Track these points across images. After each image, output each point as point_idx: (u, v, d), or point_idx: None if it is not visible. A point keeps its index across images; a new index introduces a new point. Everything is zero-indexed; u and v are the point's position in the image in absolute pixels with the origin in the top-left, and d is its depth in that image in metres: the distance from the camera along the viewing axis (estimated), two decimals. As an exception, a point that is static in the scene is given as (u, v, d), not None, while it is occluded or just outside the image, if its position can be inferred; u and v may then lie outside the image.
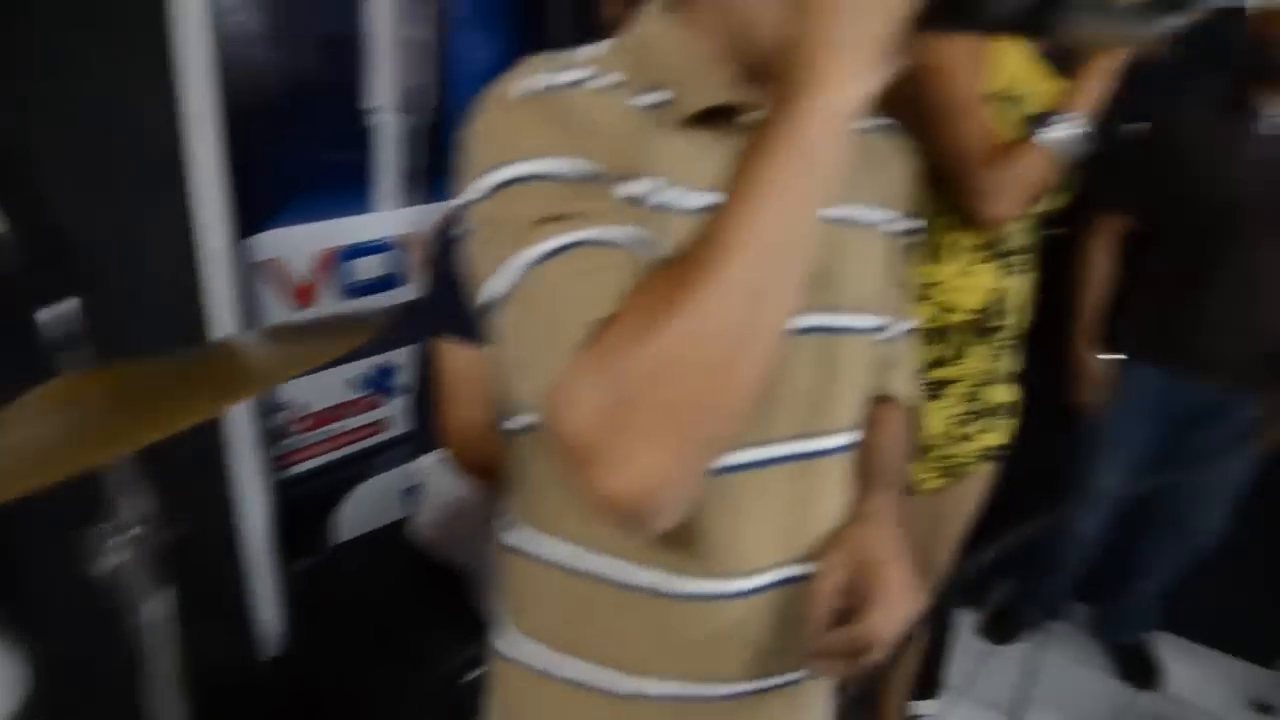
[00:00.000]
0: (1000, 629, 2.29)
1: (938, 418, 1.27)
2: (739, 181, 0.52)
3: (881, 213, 0.76)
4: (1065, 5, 0.47)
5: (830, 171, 0.52)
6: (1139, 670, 2.19)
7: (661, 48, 0.65)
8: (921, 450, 1.28)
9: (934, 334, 1.22)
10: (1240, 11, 1.67)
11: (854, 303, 0.72)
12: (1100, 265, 1.94)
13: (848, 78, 0.51)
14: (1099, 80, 1.10)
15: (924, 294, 1.21)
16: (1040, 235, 1.32)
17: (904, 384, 0.86)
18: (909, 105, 1.09)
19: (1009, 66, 1.17)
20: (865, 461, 0.79)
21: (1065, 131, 1.09)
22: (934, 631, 1.86)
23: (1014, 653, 2.26)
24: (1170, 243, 1.82)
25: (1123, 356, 1.92)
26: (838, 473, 0.75)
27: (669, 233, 0.58)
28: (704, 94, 0.63)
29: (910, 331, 0.87)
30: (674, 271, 0.52)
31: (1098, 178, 1.83)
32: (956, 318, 1.23)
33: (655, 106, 0.63)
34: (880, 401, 0.84)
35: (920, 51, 1.11)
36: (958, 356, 1.25)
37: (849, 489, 0.76)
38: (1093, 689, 2.16)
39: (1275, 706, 2.10)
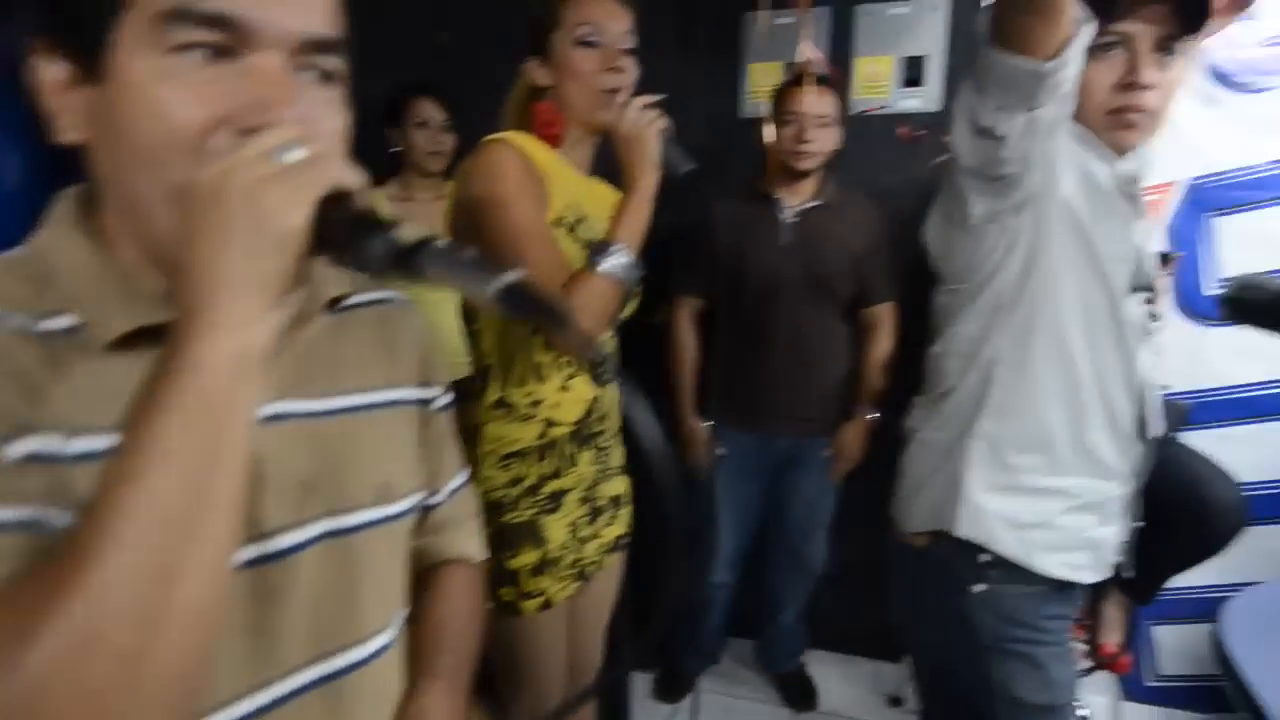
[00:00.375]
0: (671, 687, 2.40)
1: (559, 528, 1.30)
2: (126, 443, 0.44)
3: (398, 391, 0.74)
4: (425, 254, 0.49)
5: (239, 418, 0.47)
6: (799, 693, 2.42)
7: (67, 262, 0.56)
8: (550, 563, 1.30)
9: (545, 449, 1.27)
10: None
11: (371, 495, 0.68)
12: (686, 343, 2.19)
13: (244, 319, 0.47)
14: (638, 210, 1.20)
15: (530, 413, 1.26)
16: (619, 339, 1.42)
17: (466, 542, 0.85)
18: (474, 237, 1.15)
19: (568, 194, 1.26)
20: (428, 639, 0.76)
21: (618, 260, 1.16)
22: (609, 713, 1.89)
23: (687, 703, 2.37)
24: (731, 317, 2.06)
25: (712, 422, 2.12)
26: (376, 681, 0.69)
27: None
28: (123, 316, 0.55)
29: (463, 488, 0.86)
30: (62, 557, 0.43)
31: (674, 266, 2.05)
32: (562, 430, 1.28)
33: (64, 334, 0.54)
34: (443, 567, 0.81)
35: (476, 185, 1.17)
36: (570, 466, 1.30)
37: (394, 690, 0.72)
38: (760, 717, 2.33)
39: (904, 698, 2.38)
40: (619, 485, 1.43)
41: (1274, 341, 2.00)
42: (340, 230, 0.51)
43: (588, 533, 1.35)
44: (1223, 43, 2.01)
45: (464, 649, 0.78)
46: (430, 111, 2.20)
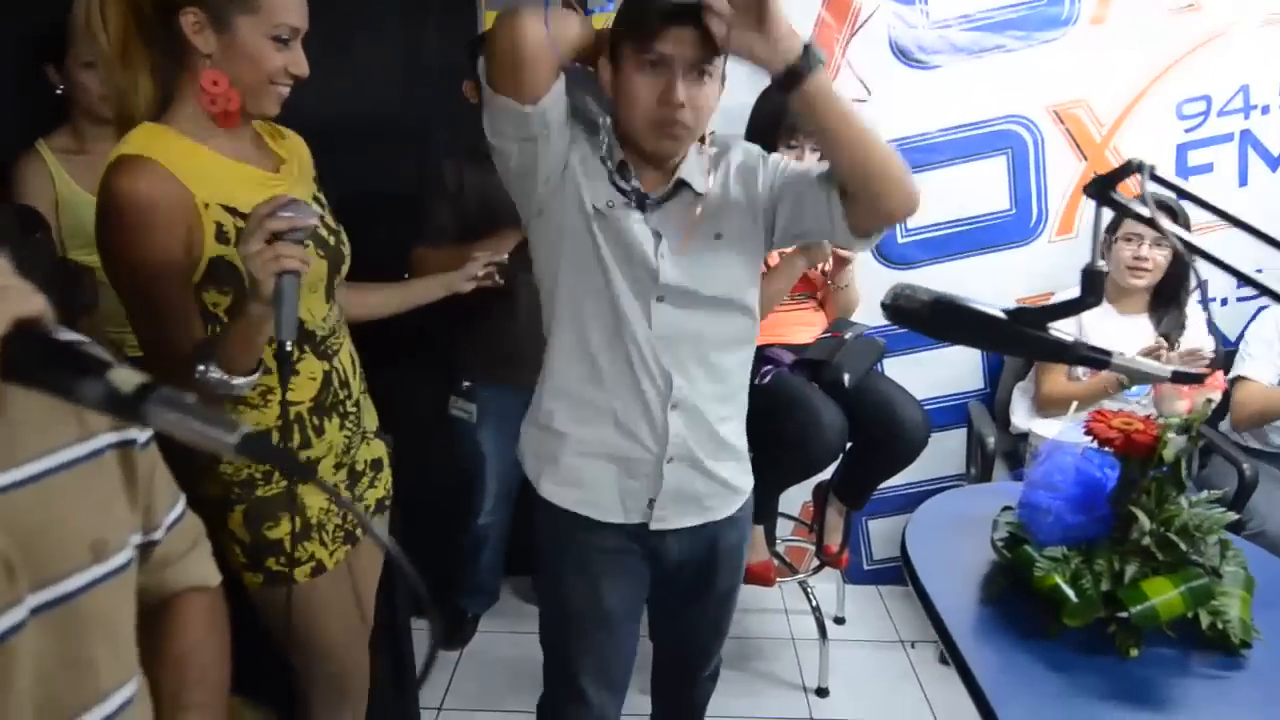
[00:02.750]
0: (451, 634, 2.46)
1: (317, 495, 1.30)
2: None
3: (94, 441, 0.70)
4: (149, 405, 0.47)
5: None
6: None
7: None
8: (313, 528, 1.30)
9: (285, 428, 1.24)
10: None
11: (86, 555, 0.66)
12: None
13: None
14: (238, 341, 1.10)
15: (263, 401, 1.24)
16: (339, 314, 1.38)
17: (196, 569, 0.83)
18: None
19: (230, 193, 1.17)
20: (176, 675, 0.75)
21: (216, 375, 1.09)
22: (395, 668, 1.92)
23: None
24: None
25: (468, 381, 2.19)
26: None
27: None
28: None
29: (182, 519, 0.84)
30: None
31: (416, 220, 1.99)
32: (301, 408, 1.27)
33: None
34: (178, 598, 0.79)
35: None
36: (317, 436, 1.29)
37: None
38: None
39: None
40: (376, 449, 1.46)
41: (950, 277, 2.47)
42: (39, 368, 0.47)
43: (348, 496, 1.37)
44: (901, 24, 2.31)
45: (213, 678, 0.79)
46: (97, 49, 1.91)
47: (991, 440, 2.20)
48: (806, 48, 1.04)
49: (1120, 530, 1.17)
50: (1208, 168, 2.41)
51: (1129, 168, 0.78)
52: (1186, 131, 2.39)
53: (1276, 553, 1.96)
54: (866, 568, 2.74)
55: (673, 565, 1.36)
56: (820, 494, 2.27)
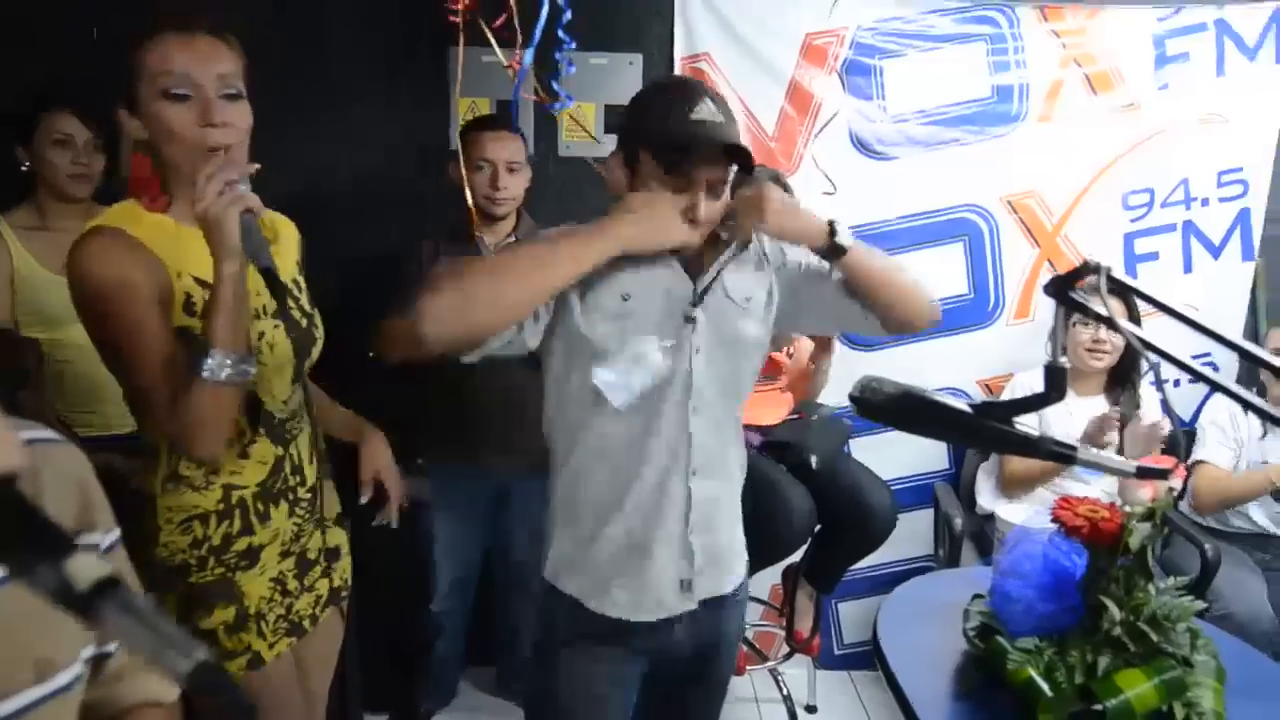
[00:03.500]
0: None
1: (258, 583, 1.25)
2: None
3: None
4: (104, 605, 0.43)
5: None
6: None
7: None
8: (251, 618, 1.24)
9: (227, 512, 1.21)
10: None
11: (29, 675, 0.63)
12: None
13: None
14: (223, 305, 1.09)
15: (206, 482, 1.20)
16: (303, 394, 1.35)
17: (151, 683, 0.79)
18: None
19: (199, 262, 1.16)
20: None
21: (219, 363, 1.08)
22: None
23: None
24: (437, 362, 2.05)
25: (422, 460, 2.12)
26: None
27: None
28: None
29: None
30: None
31: (384, 300, 1.98)
32: (245, 492, 1.23)
33: None
34: (130, 714, 0.75)
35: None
36: (262, 522, 1.25)
37: None
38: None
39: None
40: (334, 537, 1.40)
41: (911, 359, 2.51)
42: None
43: (295, 586, 1.30)
44: (861, 118, 2.41)
45: None
46: (72, 127, 1.89)
47: (959, 521, 2.20)
48: (830, 223, 1.19)
49: (1091, 620, 1.17)
50: (1154, 255, 2.51)
51: (1086, 268, 0.80)
52: (1132, 221, 2.50)
53: (1244, 635, 1.98)
54: (838, 652, 2.69)
55: (680, 653, 1.31)
56: (790, 577, 2.24)
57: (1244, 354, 0.80)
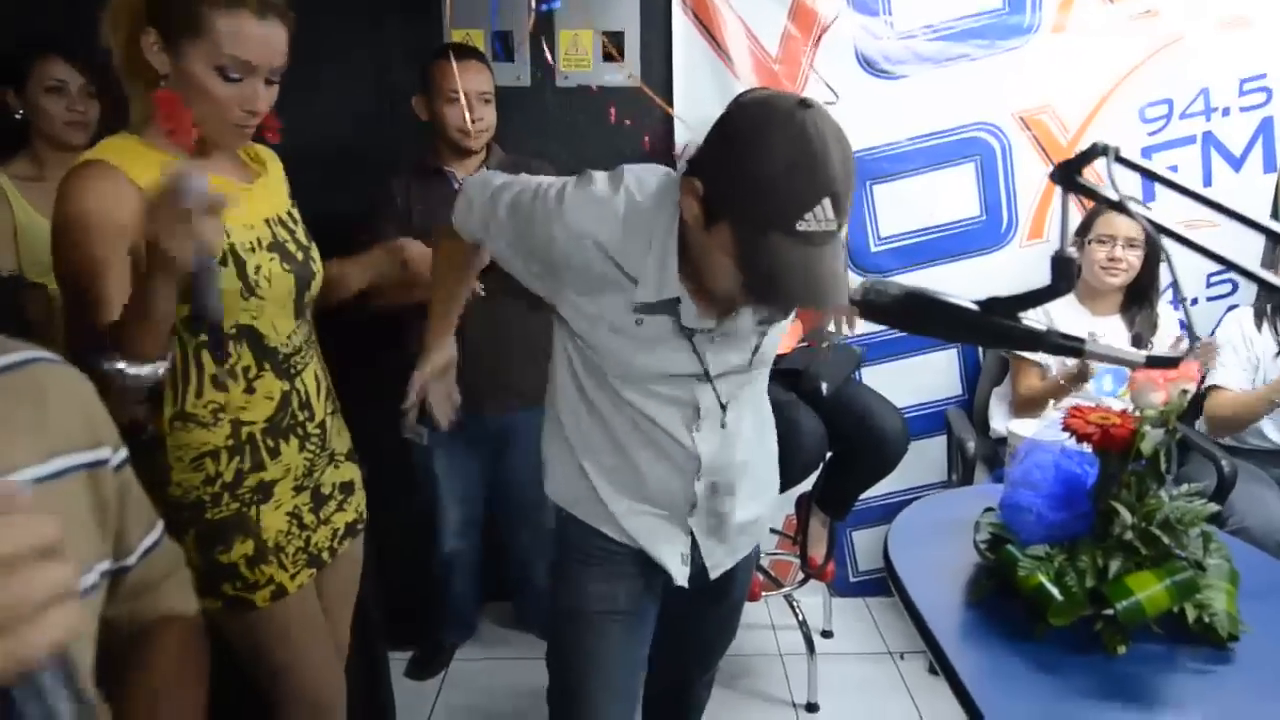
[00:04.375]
0: (426, 663, 2.40)
1: (275, 517, 1.27)
2: None
3: (58, 460, 0.66)
4: None
5: None
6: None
7: None
8: (271, 551, 1.26)
9: (238, 447, 1.22)
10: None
11: None
12: None
13: None
14: (135, 319, 1.03)
15: (214, 419, 1.20)
16: (314, 329, 1.37)
17: (172, 598, 0.80)
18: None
19: None
20: (146, 711, 0.71)
21: (114, 365, 1.02)
22: (372, 702, 1.87)
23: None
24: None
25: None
26: None
27: None
28: None
29: (158, 546, 0.81)
30: None
31: (358, 245, 1.94)
32: (254, 428, 1.23)
33: None
34: (151, 627, 0.76)
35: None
36: (273, 458, 1.25)
37: None
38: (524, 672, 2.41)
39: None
40: (347, 472, 1.41)
41: (922, 283, 2.46)
42: None
43: (312, 520, 1.32)
44: (867, 35, 2.33)
45: (188, 712, 0.75)
46: (65, 73, 1.85)
47: (972, 445, 2.20)
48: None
49: (1102, 526, 1.16)
50: (1172, 169, 2.43)
51: (1094, 151, 0.77)
52: (1150, 135, 2.42)
53: (1259, 547, 1.97)
54: (853, 580, 2.72)
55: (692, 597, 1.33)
56: (803, 505, 2.25)
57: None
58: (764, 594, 2.29)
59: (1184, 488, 1.22)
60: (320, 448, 1.34)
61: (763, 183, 0.94)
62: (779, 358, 2.08)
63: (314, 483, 1.33)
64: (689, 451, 1.22)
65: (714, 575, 1.32)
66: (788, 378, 2.00)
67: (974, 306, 0.83)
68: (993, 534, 1.26)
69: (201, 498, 1.21)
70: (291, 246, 1.27)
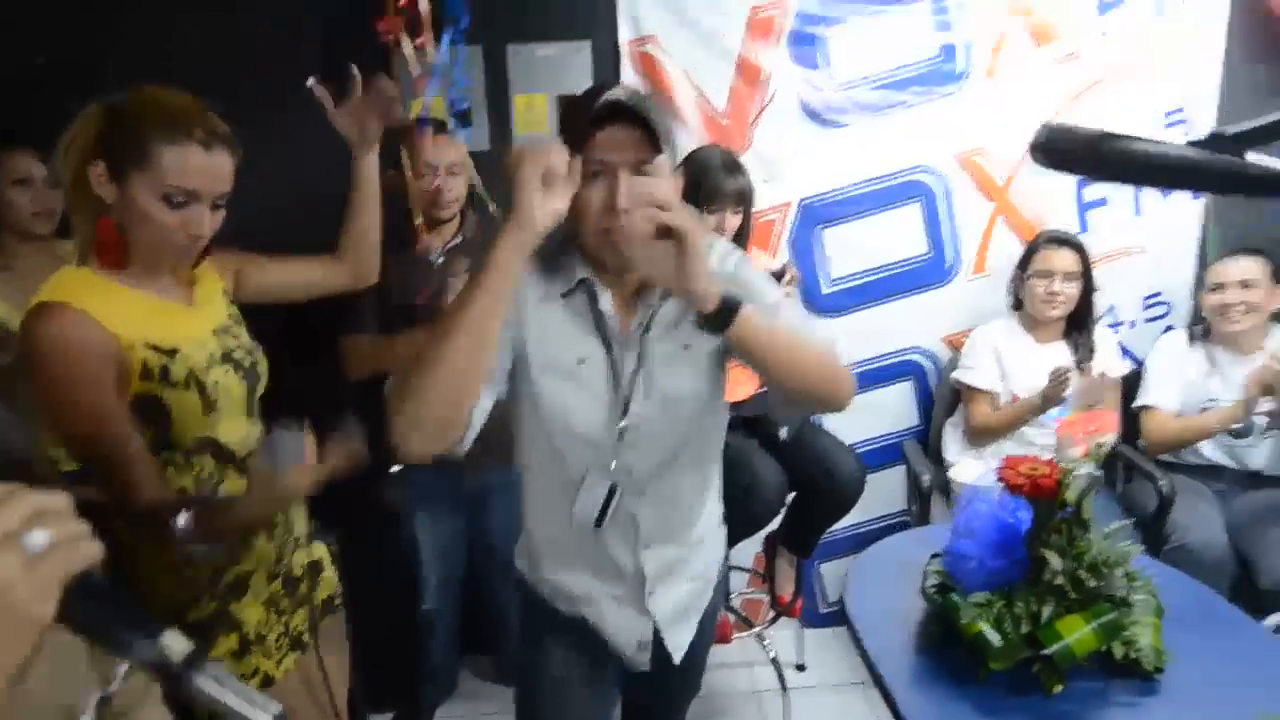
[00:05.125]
0: None
1: (253, 608, 1.30)
2: None
3: None
4: (196, 676, 0.52)
5: None
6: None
7: None
8: (254, 641, 1.29)
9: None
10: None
11: None
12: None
13: None
14: None
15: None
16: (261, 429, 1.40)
17: (152, 716, 0.82)
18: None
19: (151, 329, 1.19)
20: None
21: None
22: None
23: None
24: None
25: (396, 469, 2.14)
26: None
27: None
28: None
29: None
30: None
31: (338, 311, 2.00)
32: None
33: None
34: None
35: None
36: (243, 550, 1.29)
37: None
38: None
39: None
40: (315, 551, 1.46)
41: (876, 321, 2.58)
42: (96, 619, 0.50)
43: (288, 604, 1.37)
44: (809, 88, 2.43)
45: None
46: (31, 167, 1.90)
47: (926, 478, 2.28)
48: (723, 299, 1.04)
49: (1035, 572, 1.24)
50: (1103, 201, 2.56)
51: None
52: (1081, 170, 2.54)
53: (1199, 563, 2.07)
54: (823, 611, 2.79)
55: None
56: (770, 544, 2.32)
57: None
58: (735, 635, 2.35)
59: (1113, 526, 1.31)
60: (287, 533, 1.38)
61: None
62: (739, 404, 2.16)
63: (284, 568, 1.37)
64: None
65: (678, 658, 1.32)
66: (748, 424, 2.08)
67: (1186, 151, 0.68)
68: (939, 581, 1.34)
69: (181, 600, 1.24)
70: (240, 354, 1.32)
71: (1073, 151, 0.73)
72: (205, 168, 1.15)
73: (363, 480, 1.90)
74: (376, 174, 1.64)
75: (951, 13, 2.43)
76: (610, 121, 1.07)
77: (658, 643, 1.30)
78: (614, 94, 1.07)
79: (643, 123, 1.06)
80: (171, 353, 1.18)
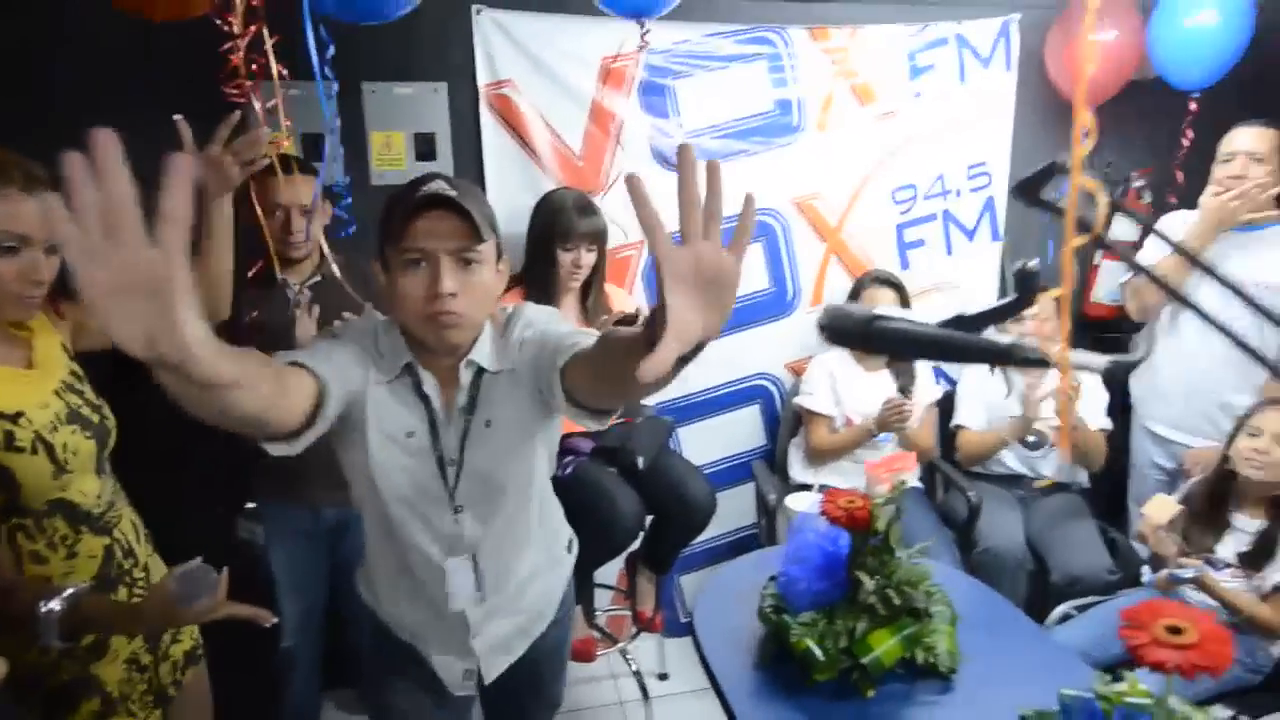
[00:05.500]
0: None
1: (113, 668, 1.30)
2: None
3: None
4: None
5: None
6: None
7: None
8: (117, 701, 1.29)
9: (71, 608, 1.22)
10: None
11: None
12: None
13: None
14: None
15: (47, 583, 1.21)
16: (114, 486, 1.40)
17: None
18: None
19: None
20: None
21: None
22: None
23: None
24: None
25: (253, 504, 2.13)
26: None
27: None
28: None
29: None
30: None
31: None
32: (85, 586, 1.25)
33: None
34: None
35: None
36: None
37: None
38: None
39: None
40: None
41: (724, 350, 2.77)
42: None
43: (149, 660, 1.37)
44: (659, 134, 2.60)
45: None
46: None
47: (772, 496, 2.49)
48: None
49: (853, 592, 1.43)
50: (921, 242, 2.88)
51: (1054, 168, 0.84)
52: (901, 213, 2.85)
53: (1002, 564, 2.38)
54: (683, 620, 2.96)
55: (501, 685, 1.44)
56: (631, 563, 2.46)
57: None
58: (600, 651, 2.47)
59: (914, 548, 1.52)
60: (147, 587, 1.38)
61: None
62: (598, 435, 2.29)
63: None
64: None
65: (489, 680, 1.40)
66: (606, 454, 2.21)
67: (937, 329, 0.83)
68: (774, 603, 1.51)
69: (38, 665, 1.22)
70: (86, 410, 1.31)
71: (847, 330, 0.86)
72: (32, 211, 1.14)
73: (217, 516, 1.89)
74: (230, 218, 1.64)
75: (786, 71, 2.66)
76: (430, 209, 1.12)
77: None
78: (433, 186, 1.12)
79: (464, 212, 1.11)
80: (15, 417, 1.17)
